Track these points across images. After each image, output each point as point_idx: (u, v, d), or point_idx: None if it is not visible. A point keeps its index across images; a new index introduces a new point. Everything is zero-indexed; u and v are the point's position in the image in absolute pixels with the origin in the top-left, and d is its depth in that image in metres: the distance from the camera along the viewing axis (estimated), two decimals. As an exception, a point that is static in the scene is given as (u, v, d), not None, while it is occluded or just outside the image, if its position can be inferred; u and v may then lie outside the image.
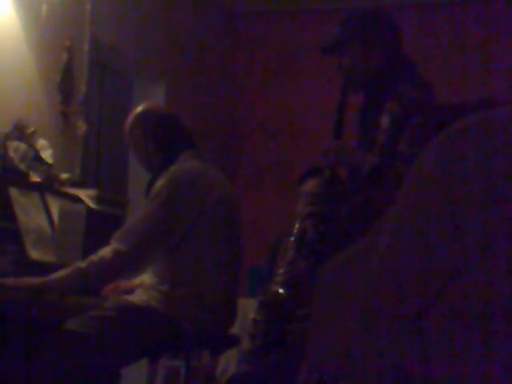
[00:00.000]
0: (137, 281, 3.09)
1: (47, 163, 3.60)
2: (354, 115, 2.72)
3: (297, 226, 2.44)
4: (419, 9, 5.86)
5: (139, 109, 3.11)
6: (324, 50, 2.74)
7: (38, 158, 3.54)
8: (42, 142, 3.66)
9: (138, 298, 2.87)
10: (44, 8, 4.00)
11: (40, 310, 2.78)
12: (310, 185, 2.58)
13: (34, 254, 3.00)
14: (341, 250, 2.40)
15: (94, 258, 2.80)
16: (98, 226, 3.38)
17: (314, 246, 2.40)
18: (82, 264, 2.79)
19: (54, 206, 3.23)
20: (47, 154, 3.64)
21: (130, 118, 3.09)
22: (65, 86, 4.17)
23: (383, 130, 2.51)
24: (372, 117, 2.58)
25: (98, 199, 3.53)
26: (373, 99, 2.63)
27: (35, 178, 3.42)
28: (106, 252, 2.80)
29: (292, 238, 2.41)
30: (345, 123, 2.64)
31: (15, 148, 3.39)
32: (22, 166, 3.37)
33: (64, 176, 3.71)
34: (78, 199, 3.45)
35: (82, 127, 4.28)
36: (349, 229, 2.45)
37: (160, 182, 2.91)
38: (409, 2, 5.79)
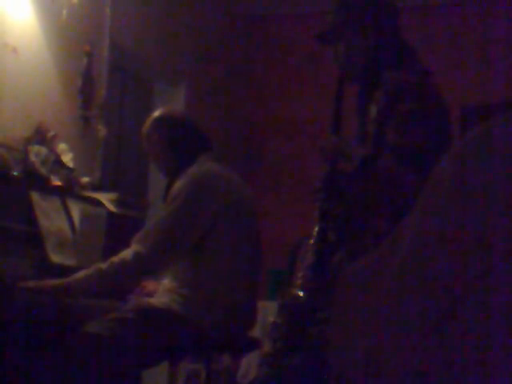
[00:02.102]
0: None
1: (68, 167, 3.62)
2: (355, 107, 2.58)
3: (316, 228, 2.42)
4: (419, 9, 5.83)
5: (156, 114, 3.13)
6: (319, 39, 2.59)
7: (58, 162, 3.56)
8: (62, 146, 3.68)
9: (158, 300, 2.88)
10: (64, 12, 4.03)
11: (61, 312, 2.79)
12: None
13: (55, 257, 3.01)
14: (340, 247, 2.38)
15: (114, 259, 2.81)
16: (119, 230, 3.39)
17: (315, 244, 2.37)
18: (103, 265, 2.81)
19: (75, 210, 3.24)
20: (68, 158, 3.66)
21: (147, 124, 3.11)
22: (85, 90, 4.20)
23: (372, 120, 2.41)
24: (366, 107, 2.48)
25: (119, 203, 3.55)
26: (367, 89, 2.49)
27: (56, 181, 3.44)
28: (126, 254, 2.81)
29: (311, 241, 2.40)
30: (343, 115, 2.52)
31: (36, 152, 3.41)
32: (43, 170, 3.39)
33: (84, 180, 3.73)
34: (98, 203, 3.47)
35: (102, 131, 4.30)
36: (344, 225, 2.41)
37: (178, 184, 2.91)
38: (409, 3, 5.76)
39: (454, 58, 5.82)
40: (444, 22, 5.92)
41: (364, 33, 2.49)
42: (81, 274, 2.80)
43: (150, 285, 3.10)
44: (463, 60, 5.81)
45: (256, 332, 3.23)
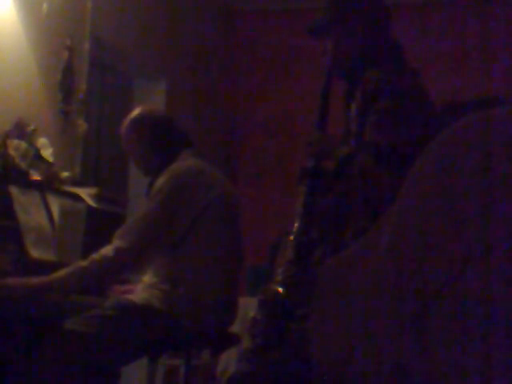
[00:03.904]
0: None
1: (47, 162, 3.60)
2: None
3: (296, 224, 2.43)
4: (419, 9, 5.86)
5: (134, 114, 3.11)
6: (310, 32, 2.59)
7: (38, 157, 3.54)
8: (42, 141, 3.66)
9: (138, 296, 2.87)
10: (44, 6, 4.01)
11: (40, 309, 2.78)
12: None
13: (35, 252, 3.00)
14: (321, 244, 2.39)
15: (95, 256, 2.80)
16: (98, 225, 3.38)
17: (298, 237, 2.37)
18: (84, 263, 2.80)
19: (55, 205, 3.23)
20: (47, 153, 3.64)
21: (125, 124, 3.09)
22: (65, 84, 4.17)
23: (353, 118, 2.41)
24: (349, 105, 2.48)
25: (98, 198, 3.53)
26: (350, 87, 2.50)
27: (35, 176, 3.41)
28: (107, 250, 2.80)
29: (292, 237, 2.40)
30: (329, 112, 2.51)
31: (15, 146, 3.39)
32: (23, 165, 3.37)
33: (64, 174, 3.71)
34: (78, 198, 3.45)
35: (82, 126, 4.28)
36: (325, 222, 2.42)
37: (160, 180, 2.91)
38: (409, 2, 5.79)
39: (454, 57, 5.85)
40: (445, 21, 5.94)
41: (352, 30, 2.49)
42: (61, 272, 2.78)
43: (127, 288, 3.10)
44: (463, 60, 5.83)
45: (236, 328, 3.23)
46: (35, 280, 2.74)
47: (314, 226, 2.41)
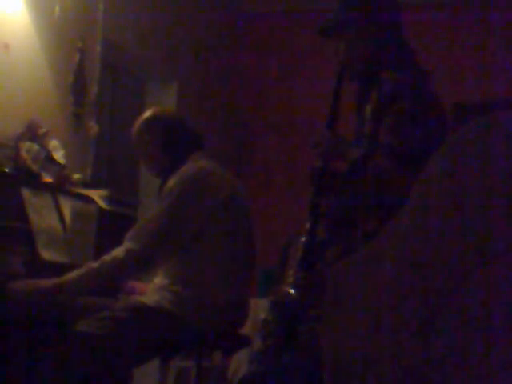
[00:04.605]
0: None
1: (59, 164, 3.62)
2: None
3: (307, 225, 2.42)
4: (419, 9, 5.83)
5: (146, 114, 3.11)
6: (321, 33, 2.58)
7: (50, 159, 3.55)
8: (54, 143, 3.67)
9: (149, 298, 2.88)
10: (56, 9, 4.02)
11: (51, 311, 2.79)
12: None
13: (46, 254, 3.01)
14: (332, 245, 2.39)
15: (106, 258, 2.81)
16: (110, 227, 3.39)
17: (306, 234, 2.37)
18: (95, 264, 2.80)
19: (66, 207, 3.24)
20: (59, 155, 3.66)
21: (138, 124, 3.09)
22: (77, 86, 4.19)
23: (367, 120, 2.40)
24: (363, 107, 2.47)
25: (110, 200, 3.54)
26: (364, 88, 2.48)
27: (47, 178, 3.43)
28: (118, 252, 2.81)
29: (303, 238, 2.40)
30: (340, 112, 2.50)
31: (27, 149, 3.40)
32: (35, 167, 3.38)
33: (76, 176, 3.72)
34: (89, 200, 3.46)
35: (93, 128, 4.29)
36: (335, 223, 2.41)
37: (171, 182, 2.91)
38: (409, 2, 5.77)
39: (454, 57, 5.83)
40: (445, 21, 5.93)
41: (365, 32, 2.48)
42: (72, 273, 2.79)
43: (138, 286, 3.10)
44: (463, 60, 5.82)
45: (247, 329, 3.23)
46: (46, 282, 2.75)
47: (324, 227, 2.41)
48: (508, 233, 1.01)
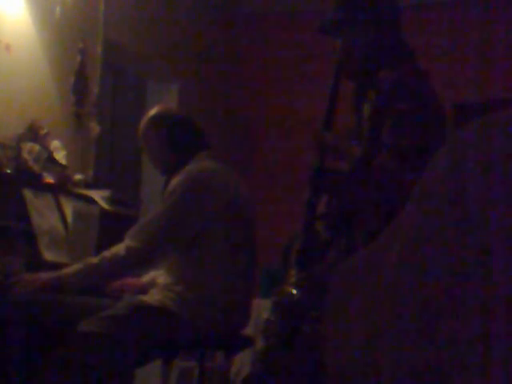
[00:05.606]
0: (145, 278, 3.10)
1: (61, 164, 3.62)
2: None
3: (303, 225, 2.42)
4: (419, 8, 5.83)
5: (153, 112, 3.12)
6: (320, 31, 2.58)
7: (51, 160, 3.55)
8: (55, 144, 3.67)
9: (152, 298, 2.88)
10: (58, 10, 4.02)
11: (51, 311, 2.79)
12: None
13: (48, 255, 3.01)
14: (333, 245, 2.39)
15: (106, 254, 2.81)
16: (112, 227, 3.39)
17: (301, 234, 2.37)
18: (95, 260, 2.81)
19: (68, 207, 3.24)
20: (61, 155, 3.66)
21: (144, 121, 3.09)
22: (78, 87, 4.19)
23: (366, 119, 2.39)
24: (361, 106, 2.46)
25: (111, 200, 3.54)
26: (362, 86, 2.49)
27: (49, 179, 3.43)
28: (119, 249, 2.81)
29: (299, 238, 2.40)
30: (337, 112, 2.49)
31: (29, 149, 3.40)
32: (36, 167, 3.38)
33: (77, 177, 3.72)
34: (91, 200, 3.46)
35: (95, 128, 4.29)
36: (337, 223, 2.41)
37: (175, 181, 2.91)
38: (409, 2, 5.77)
39: (454, 57, 5.83)
40: (445, 21, 5.92)
41: (363, 31, 2.48)
42: (72, 268, 2.80)
43: (131, 282, 3.10)
44: (463, 60, 5.81)
45: (249, 330, 3.23)
46: (45, 275, 2.76)
47: (326, 227, 2.41)
48: (508, 233, 1.01)
